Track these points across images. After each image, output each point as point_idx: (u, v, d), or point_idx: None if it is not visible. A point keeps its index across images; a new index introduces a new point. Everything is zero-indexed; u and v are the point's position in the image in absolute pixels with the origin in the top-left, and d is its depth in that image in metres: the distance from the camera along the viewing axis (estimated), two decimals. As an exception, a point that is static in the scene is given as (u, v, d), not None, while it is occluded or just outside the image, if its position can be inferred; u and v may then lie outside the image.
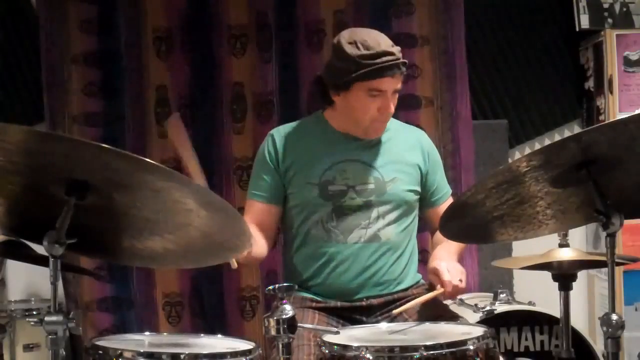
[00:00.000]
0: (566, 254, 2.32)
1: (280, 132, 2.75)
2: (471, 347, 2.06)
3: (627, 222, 2.01)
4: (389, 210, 2.64)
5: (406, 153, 2.71)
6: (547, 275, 2.32)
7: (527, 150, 3.99)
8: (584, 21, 3.94)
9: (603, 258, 1.99)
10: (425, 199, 2.74)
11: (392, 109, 2.61)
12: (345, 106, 2.63)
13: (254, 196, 2.71)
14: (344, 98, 2.62)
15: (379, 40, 2.55)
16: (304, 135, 2.72)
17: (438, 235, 2.70)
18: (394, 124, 2.81)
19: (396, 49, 2.56)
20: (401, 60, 2.55)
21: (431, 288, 2.57)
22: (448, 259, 2.53)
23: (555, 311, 2.69)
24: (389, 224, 2.63)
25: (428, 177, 2.73)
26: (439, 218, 2.38)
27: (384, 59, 2.52)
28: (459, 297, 3.39)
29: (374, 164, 2.66)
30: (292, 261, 2.71)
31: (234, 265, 2.39)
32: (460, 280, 2.46)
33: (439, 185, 2.76)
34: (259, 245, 2.60)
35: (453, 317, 2.56)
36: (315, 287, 2.64)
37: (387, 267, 2.63)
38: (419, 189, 2.71)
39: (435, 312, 2.54)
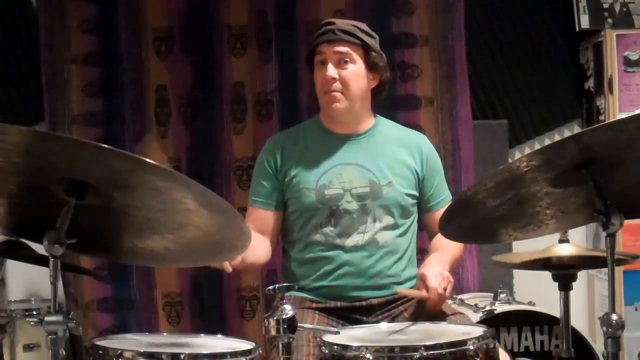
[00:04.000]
0: (566, 250, 2.31)
1: (278, 138, 2.76)
2: (471, 347, 2.06)
3: (627, 222, 2.01)
4: (386, 214, 2.63)
5: (404, 157, 2.69)
6: (547, 275, 2.32)
7: (527, 150, 3.98)
8: (584, 21, 3.94)
9: (603, 254, 1.99)
10: (422, 204, 2.72)
11: (334, 75, 2.60)
12: (317, 91, 2.68)
13: (254, 203, 2.72)
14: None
15: (332, 19, 2.74)
16: (302, 139, 2.72)
17: (435, 242, 2.70)
18: (393, 127, 2.80)
19: (342, 21, 2.67)
20: (337, 26, 2.61)
21: None
22: (438, 267, 2.50)
23: (555, 311, 2.69)
24: (386, 228, 2.63)
25: (425, 183, 2.71)
26: (436, 224, 2.36)
27: (323, 29, 2.64)
28: (459, 297, 3.40)
29: (370, 167, 2.65)
30: (292, 266, 2.71)
31: (228, 268, 2.37)
32: (445, 289, 2.43)
33: (436, 191, 2.73)
34: (257, 254, 2.58)
35: (454, 313, 2.56)
36: (315, 290, 2.64)
37: (386, 270, 2.63)
38: (415, 192, 2.69)
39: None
